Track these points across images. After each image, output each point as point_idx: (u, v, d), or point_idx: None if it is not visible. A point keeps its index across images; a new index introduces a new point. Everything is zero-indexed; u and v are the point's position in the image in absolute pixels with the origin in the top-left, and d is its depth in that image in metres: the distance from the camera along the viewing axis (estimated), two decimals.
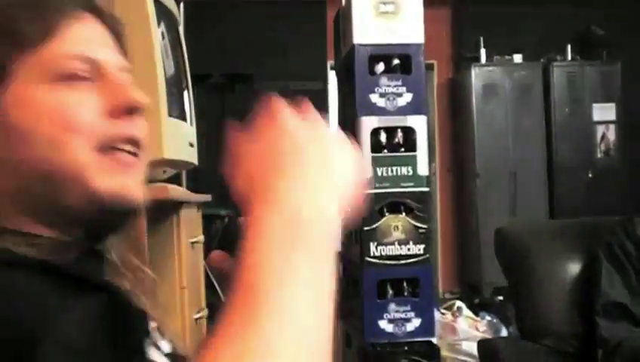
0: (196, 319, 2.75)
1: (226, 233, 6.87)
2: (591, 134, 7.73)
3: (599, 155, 7.75)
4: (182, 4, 4.82)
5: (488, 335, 4.60)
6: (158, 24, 2.24)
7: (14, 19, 0.81)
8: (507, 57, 7.62)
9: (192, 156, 2.46)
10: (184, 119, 2.40)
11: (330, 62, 7.21)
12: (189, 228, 2.60)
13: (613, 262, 2.15)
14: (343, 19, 4.07)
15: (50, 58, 0.81)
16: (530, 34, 7.84)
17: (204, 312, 2.92)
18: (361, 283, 3.80)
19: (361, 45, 3.73)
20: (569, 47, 7.78)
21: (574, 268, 2.37)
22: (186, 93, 2.57)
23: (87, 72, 0.83)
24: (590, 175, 7.68)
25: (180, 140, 2.26)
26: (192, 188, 3.27)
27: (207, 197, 3.14)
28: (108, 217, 0.84)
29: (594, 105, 7.73)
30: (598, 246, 2.23)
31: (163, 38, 2.27)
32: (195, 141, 2.53)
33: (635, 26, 7.96)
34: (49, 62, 0.81)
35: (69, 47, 0.83)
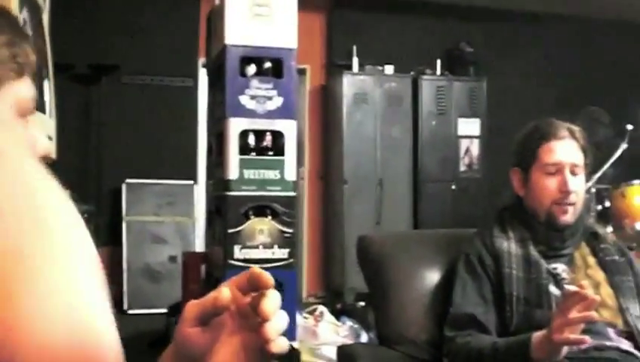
0: None
1: None
2: (455, 148, 7.94)
3: (463, 168, 7.97)
4: None
5: (349, 340, 4.63)
6: (21, 10, 2.14)
7: None
8: (379, 68, 7.73)
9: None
10: (42, 110, 2.29)
11: (201, 60, 7.11)
12: None
13: (469, 272, 2.19)
14: (216, 17, 4.03)
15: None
16: (402, 46, 8.00)
17: None
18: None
19: (232, 46, 3.69)
20: (439, 61, 7.97)
21: (433, 277, 2.41)
22: (46, 82, 2.46)
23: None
24: (453, 187, 7.89)
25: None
26: None
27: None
28: None
29: (459, 119, 7.94)
30: (457, 256, 2.27)
31: (25, 24, 2.17)
32: (53, 134, 2.42)
33: (501, 45, 8.24)
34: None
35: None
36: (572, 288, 1.85)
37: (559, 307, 1.83)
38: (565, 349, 1.83)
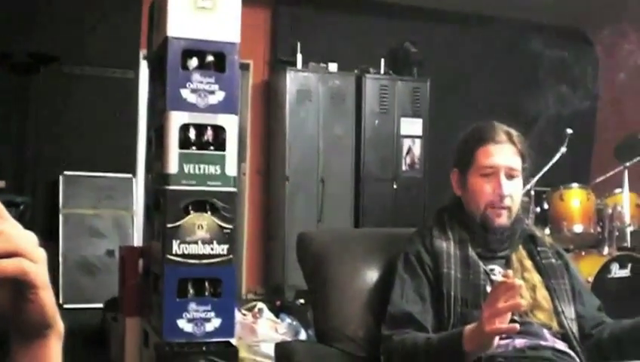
0: None
1: (21, 221, 6.52)
2: (398, 147, 7.99)
3: (404, 168, 8.02)
4: None
5: (288, 338, 4.63)
6: None
7: None
8: (322, 65, 7.74)
9: None
10: None
11: (143, 52, 7.01)
12: None
13: (408, 271, 2.20)
14: (158, 9, 3.98)
15: None
16: (346, 44, 8.01)
17: None
18: (161, 281, 3.73)
19: (174, 38, 3.65)
20: (383, 60, 8.00)
21: (372, 275, 2.41)
22: None
23: None
24: (395, 186, 7.94)
25: None
26: None
27: (0, 184, 2.95)
28: None
29: (402, 119, 7.99)
30: (397, 255, 2.27)
31: None
32: None
33: (445, 46, 8.32)
34: None
35: None
36: (498, 279, 1.87)
37: (488, 298, 1.85)
38: (496, 340, 1.85)
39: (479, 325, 1.83)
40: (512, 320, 1.85)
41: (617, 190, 5.48)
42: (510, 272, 1.87)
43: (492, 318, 1.78)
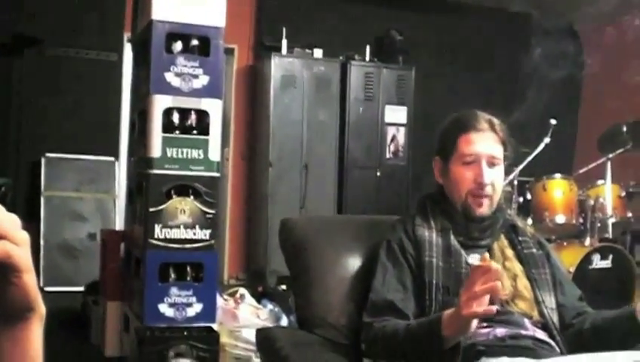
0: None
1: (2, 203, 6.46)
2: (382, 135, 7.99)
3: (388, 156, 8.02)
4: None
5: (269, 324, 4.62)
6: None
7: None
8: (307, 51, 7.71)
9: None
10: None
11: (127, 34, 6.96)
12: None
13: (390, 259, 2.20)
14: None
15: None
16: (332, 31, 7.99)
17: None
18: (143, 265, 3.72)
19: (159, 21, 3.63)
20: (368, 48, 7.99)
21: (355, 262, 2.41)
22: None
23: None
24: (378, 174, 7.94)
25: None
26: None
27: None
28: None
29: (387, 106, 7.99)
30: (379, 243, 2.27)
31: None
32: None
33: (430, 35, 8.31)
34: None
35: None
36: (475, 262, 1.87)
37: (465, 282, 1.85)
38: (474, 324, 1.85)
39: (457, 309, 1.83)
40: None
41: (600, 181, 5.51)
42: (487, 255, 1.87)
43: (469, 301, 1.78)
